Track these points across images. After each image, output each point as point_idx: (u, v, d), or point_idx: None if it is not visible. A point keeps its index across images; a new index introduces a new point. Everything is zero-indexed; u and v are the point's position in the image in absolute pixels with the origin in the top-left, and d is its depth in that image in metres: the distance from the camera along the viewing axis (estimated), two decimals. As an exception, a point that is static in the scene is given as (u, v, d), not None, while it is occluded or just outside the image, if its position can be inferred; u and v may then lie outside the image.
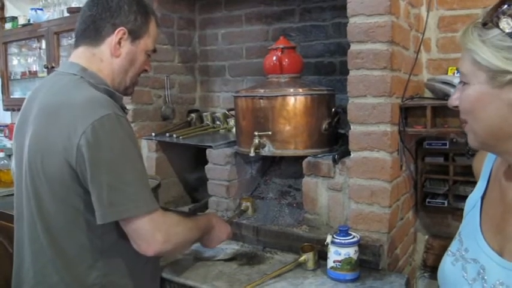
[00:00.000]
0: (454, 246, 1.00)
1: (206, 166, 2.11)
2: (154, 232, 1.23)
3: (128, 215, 1.20)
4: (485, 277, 0.87)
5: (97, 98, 1.26)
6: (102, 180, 1.18)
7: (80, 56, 1.38)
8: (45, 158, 1.25)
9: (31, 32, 3.57)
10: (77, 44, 1.41)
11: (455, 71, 1.87)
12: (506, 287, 0.84)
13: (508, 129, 0.85)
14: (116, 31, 1.36)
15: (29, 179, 1.30)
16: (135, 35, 1.39)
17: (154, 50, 1.49)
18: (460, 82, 0.93)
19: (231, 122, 2.37)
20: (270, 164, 2.23)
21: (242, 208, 1.85)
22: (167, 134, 2.32)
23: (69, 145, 1.19)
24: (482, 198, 0.99)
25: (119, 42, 1.37)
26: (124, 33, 1.37)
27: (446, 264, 0.99)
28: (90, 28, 1.37)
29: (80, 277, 1.28)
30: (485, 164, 1.02)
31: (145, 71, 1.50)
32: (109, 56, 1.37)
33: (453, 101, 0.95)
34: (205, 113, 2.57)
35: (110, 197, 1.18)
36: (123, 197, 1.19)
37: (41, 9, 3.64)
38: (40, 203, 1.29)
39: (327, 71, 2.25)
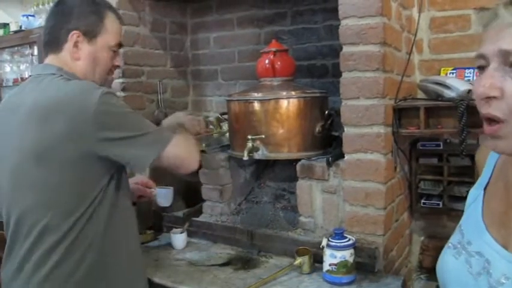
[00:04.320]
0: (454, 238, 0.95)
1: (200, 170, 2.10)
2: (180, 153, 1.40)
3: (167, 142, 1.34)
4: (491, 271, 0.83)
5: (87, 82, 1.33)
6: (132, 135, 1.29)
7: (50, 61, 1.41)
8: (40, 155, 1.25)
9: (23, 39, 3.55)
10: (45, 55, 1.44)
11: (448, 72, 1.87)
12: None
13: None
14: (70, 35, 1.38)
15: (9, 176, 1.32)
16: (91, 35, 1.40)
17: (120, 45, 1.49)
18: (501, 66, 0.75)
19: (224, 126, 2.35)
20: (263, 168, 2.22)
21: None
22: (160, 139, 2.30)
23: (80, 131, 1.23)
24: (485, 189, 0.95)
25: (76, 46, 1.38)
26: (78, 36, 1.38)
27: (448, 256, 0.94)
28: (51, 39, 1.41)
29: (38, 262, 1.27)
30: (490, 157, 0.97)
31: (117, 66, 1.52)
32: (70, 61, 1.39)
33: (490, 89, 0.75)
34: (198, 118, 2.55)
35: (145, 140, 1.31)
36: (154, 135, 1.34)
37: (33, 16, 3.62)
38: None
39: (320, 74, 2.25)
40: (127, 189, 1.44)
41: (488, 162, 0.97)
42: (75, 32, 1.37)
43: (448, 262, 0.93)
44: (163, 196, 2.01)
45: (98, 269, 1.31)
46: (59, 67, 1.37)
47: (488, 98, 0.75)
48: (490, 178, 0.95)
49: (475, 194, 0.96)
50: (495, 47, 0.76)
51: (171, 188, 2.03)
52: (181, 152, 1.41)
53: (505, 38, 0.75)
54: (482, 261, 0.85)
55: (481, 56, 0.79)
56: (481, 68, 0.80)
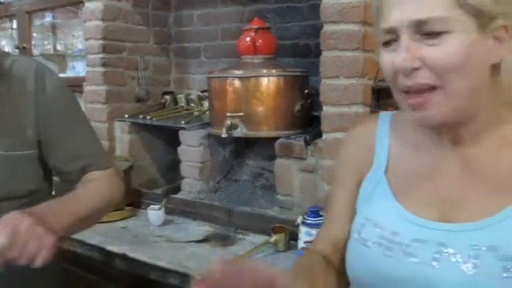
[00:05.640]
0: (369, 234, 0.82)
1: (179, 148, 2.09)
2: None
3: None
4: (449, 251, 0.73)
5: None
6: None
7: None
8: None
9: (1, 11, 3.48)
10: None
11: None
12: (487, 248, 0.71)
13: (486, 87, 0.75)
14: None
15: None
16: None
17: None
18: (414, 36, 0.72)
19: (206, 104, 2.34)
20: (243, 146, 2.22)
21: None
22: (140, 116, 2.28)
23: None
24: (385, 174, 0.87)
25: None
26: None
27: (372, 259, 0.80)
28: None
29: None
30: (379, 140, 0.91)
31: None
32: None
33: (411, 61, 0.72)
34: (179, 95, 2.54)
35: None
36: None
37: (12, -12, 3.54)
38: None
39: (303, 54, 2.23)
40: None
41: (378, 147, 0.91)
42: None
43: (377, 262, 0.80)
44: None
45: None
46: None
47: (410, 71, 0.72)
48: (387, 162, 0.88)
49: (373, 181, 0.88)
50: (403, 18, 0.72)
51: None
52: None
53: (410, 5, 0.72)
54: (433, 246, 0.75)
55: (390, 31, 0.75)
56: (388, 43, 0.77)
